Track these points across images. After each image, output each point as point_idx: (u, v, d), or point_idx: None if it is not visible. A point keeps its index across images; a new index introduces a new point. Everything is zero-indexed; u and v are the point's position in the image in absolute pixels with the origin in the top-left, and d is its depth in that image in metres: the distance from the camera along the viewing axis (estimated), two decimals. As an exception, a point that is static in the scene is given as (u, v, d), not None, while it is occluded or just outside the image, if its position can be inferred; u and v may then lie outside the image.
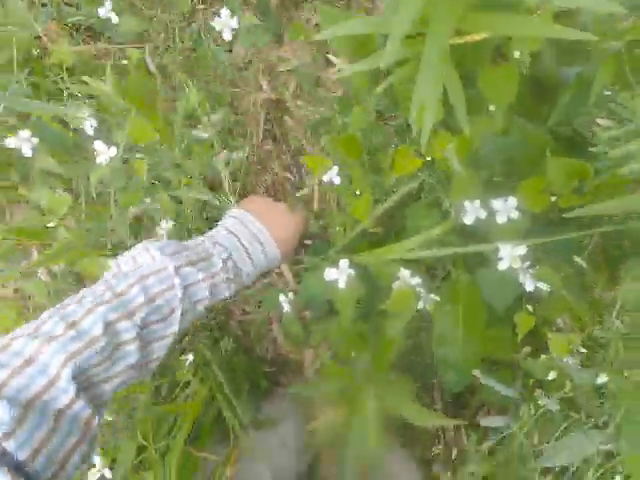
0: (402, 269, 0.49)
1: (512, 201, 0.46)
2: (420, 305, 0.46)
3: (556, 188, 0.42)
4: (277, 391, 0.81)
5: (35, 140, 0.54)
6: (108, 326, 0.41)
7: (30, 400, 0.35)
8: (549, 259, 0.44)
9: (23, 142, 0.53)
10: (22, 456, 0.33)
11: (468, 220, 0.48)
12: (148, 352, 0.46)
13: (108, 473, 0.51)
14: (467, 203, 0.47)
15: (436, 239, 0.50)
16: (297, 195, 0.64)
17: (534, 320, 0.43)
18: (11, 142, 0.53)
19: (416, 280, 0.48)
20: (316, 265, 0.57)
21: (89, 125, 0.53)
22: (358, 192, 0.52)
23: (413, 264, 0.50)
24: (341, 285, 0.47)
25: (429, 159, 0.51)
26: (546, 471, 0.38)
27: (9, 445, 0.32)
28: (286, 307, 0.58)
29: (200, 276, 0.50)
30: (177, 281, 0.47)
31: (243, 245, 0.56)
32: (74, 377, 0.38)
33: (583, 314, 0.41)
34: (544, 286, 0.44)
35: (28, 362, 0.37)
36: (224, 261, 0.53)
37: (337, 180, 0.52)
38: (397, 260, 0.50)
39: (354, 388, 0.38)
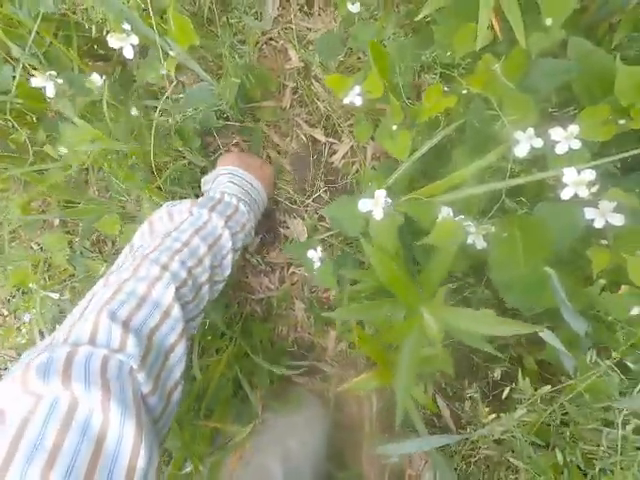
0: (444, 207, 0.44)
1: (573, 129, 0.41)
2: (469, 240, 0.40)
3: (627, 101, 0.37)
4: (295, 380, 0.75)
5: (59, 81, 0.53)
6: (190, 271, 0.46)
7: (150, 334, 0.39)
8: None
9: (47, 82, 0.51)
10: (146, 389, 0.35)
11: (521, 151, 0.42)
12: (213, 291, 0.51)
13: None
14: (519, 133, 0.42)
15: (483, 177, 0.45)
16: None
17: (609, 256, 0.36)
18: (35, 81, 0.52)
19: (462, 217, 0.43)
20: (345, 200, 0.51)
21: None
22: (395, 127, 0.48)
23: (460, 204, 0.44)
24: (377, 216, 0.42)
25: (467, 92, 0.46)
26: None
27: (140, 376, 0.35)
28: (317, 263, 0.52)
29: (238, 227, 0.57)
30: (227, 232, 0.53)
31: (250, 195, 0.63)
32: (182, 311, 0.42)
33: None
34: (617, 220, 0.38)
35: (143, 299, 0.40)
36: (248, 212, 0.60)
37: (359, 101, 0.48)
38: (443, 200, 0.45)
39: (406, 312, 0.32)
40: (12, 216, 0.62)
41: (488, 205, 0.44)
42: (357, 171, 0.74)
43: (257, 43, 0.77)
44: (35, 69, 0.52)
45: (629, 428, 0.31)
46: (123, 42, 0.50)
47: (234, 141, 0.76)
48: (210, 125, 0.69)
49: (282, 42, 0.78)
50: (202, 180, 0.68)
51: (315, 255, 0.52)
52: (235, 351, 0.64)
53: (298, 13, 0.78)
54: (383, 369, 0.45)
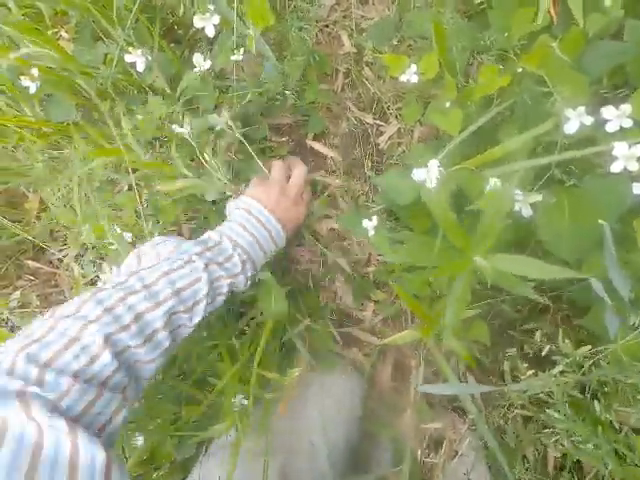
0: (492, 179, 0.47)
1: (625, 107, 0.43)
2: (517, 207, 0.44)
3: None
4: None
5: (149, 57, 0.59)
6: (138, 317, 0.44)
7: (76, 373, 0.38)
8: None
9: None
10: (74, 413, 0.35)
11: (571, 128, 0.45)
12: (175, 337, 0.49)
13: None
14: (569, 110, 0.45)
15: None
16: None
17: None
18: (129, 57, 0.59)
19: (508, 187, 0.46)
20: (394, 173, 0.55)
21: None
22: (448, 104, 0.51)
23: (508, 176, 0.47)
24: (431, 184, 0.46)
25: (521, 71, 0.49)
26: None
27: (62, 404, 0.35)
28: (371, 231, 0.56)
29: (223, 274, 0.53)
30: (205, 276, 0.51)
31: (258, 242, 0.59)
32: (115, 355, 0.41)
33: None
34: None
35: (72, 341, 0.39)
36: (243, 262, 0.56)
37: (414, 79, 0.51)
38: (490, 172, 0.48)
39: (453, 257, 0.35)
40: (94, 175, 0.70)
41: (536, 177, 0.47)
42: (403, 152, 0.77)
43: (312, 29, 0.82)
44: (131, 45, 0.59)
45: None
46: (206, 22, 0.56)
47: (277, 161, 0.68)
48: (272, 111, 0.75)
49: (336, 29, 0.83)
50: (227, 204, 0.65)
51: (370, 224, 0.56)
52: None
53: (354, 1, 0.83)
54: (423, 322, 0.49)
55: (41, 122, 0.68)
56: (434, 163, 0.47)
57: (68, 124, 0.70)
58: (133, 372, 0.44)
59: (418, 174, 0.47)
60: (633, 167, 0.41)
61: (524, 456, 0.60)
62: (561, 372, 0.41)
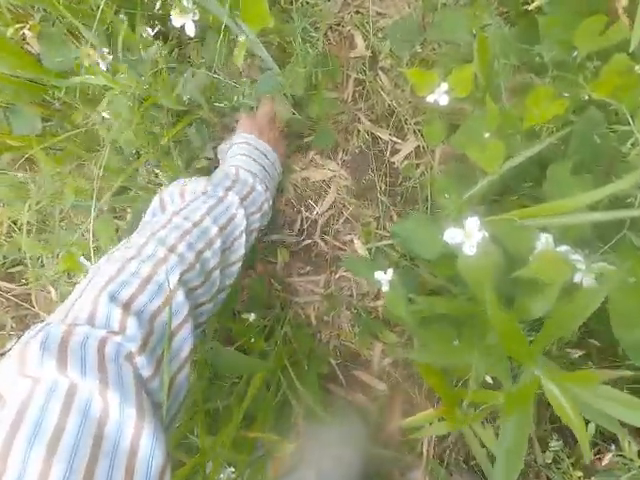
0: (542, 234, 0.38)
1: None
2: (577, 278, 0.34)
3: None
4: (332, 396, 0.72)
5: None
6: (198, 254, 0.44)
7: (152, 317, 0.37)
8: None
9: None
10: (146, 373, 0.34)
11: None
12: (225, 275, 0.49)
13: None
14: None
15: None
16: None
17: None
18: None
19: (566, 249, 0.36)
20: (419, 219, 0.46)
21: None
22: (487, 135, 0.42)
23: (561, 231, 0.38)
24: (469, 251, 0.36)
25: (588, 98, 0.39)
26: None
27: (139, 360, 0.33)
28: (385, 287, 0.47)
29: (254, 208, 0.54)
30: (242, 212, 0.51)
31: (267, 170, 0.60)
32: (186, 296, 0.40)
33: None
34: None
35: (146, 281, 0.38)
36: (265, 190, 0.57)
37: (444, 100, 0.42)
38: (538, 224, 0.38)
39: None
40: (65, 199, 0.61)
41: (600, 238, 0.38)
42: (422, 174, 0.68)
43: (322, 27, 0.71)
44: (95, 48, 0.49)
45: None
46: (185, 18, 0.46)
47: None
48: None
49: (349, 28, 0.72)
50: (218, 148, 0.65)
51: (384, 278, 0.46)
52: (280, 355, 0.61)
53: (369, -4, 0.72)
54: (449, 408, 0.40)
55: (5, 135, 0.59)
56: (474, 223, 0.37)
57: (37, 137, 0.60)
58: (195, 320, 0.42)
59: (452, 236, 0.37)
60: None
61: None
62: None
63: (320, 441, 0.61)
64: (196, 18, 0.49)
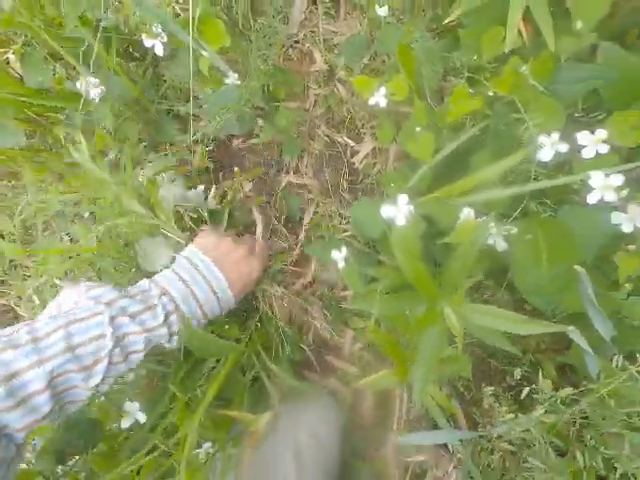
0: (465, 208, 0.44)
1: (601, 133, 0.41)
2: (490, 241, 0.41)
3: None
4: (307, 381, 0.76)
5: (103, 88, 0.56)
6: (11, 376, 0.39)
7: None
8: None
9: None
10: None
11: (545, 156, 0.43)
12: (62, 398, 0.43)
13: (141, 417, 0.48)
14: (543, 137, 0.42)
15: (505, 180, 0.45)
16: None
17: (637, 261, 0.36)
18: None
19: (484, 218, 0.43)
20: (366, 203, 0.52)
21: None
22: (418, 129, 0.49)
23: (481, 206, 0.45)
24: (400, 222, 0.43)
25: (492, 94, 0.47)
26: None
27: None
28: (341, 263, 0.53)
29: (136, 328, 0.46)
30: (109, 331, 0.44)
31: (195, 295, 0.52)
32: None
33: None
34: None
35: None
36: (167, 314, 0.49)
37: (383, 102, 0.49)
38: (462, 201, 0.45)
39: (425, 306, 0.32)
40: (48, 206, 0.65)
41: (510, 207, 0.45)
42: (378, 172, 0.75)
43: (283, 46, 0.79)
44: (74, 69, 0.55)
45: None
46: (154, 40, 0.53)
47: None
48: (231, 130, 0.72)
49: (308, 45, 0.80)
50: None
51: (339, 256, 0.53)
52: (253, 342, 0.66)
53: (324, 17, 0.80)
54: (399, 366, 0.46)
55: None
56: (403, 199, 0.44)
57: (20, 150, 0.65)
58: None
59: (386, 211, 0.43)
60: (611, 198, 0.38)
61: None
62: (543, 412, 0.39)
63: (296, 420, 0.65)
64: (164, 40, 0.56)
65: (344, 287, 0.78)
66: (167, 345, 0.50)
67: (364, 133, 0.77)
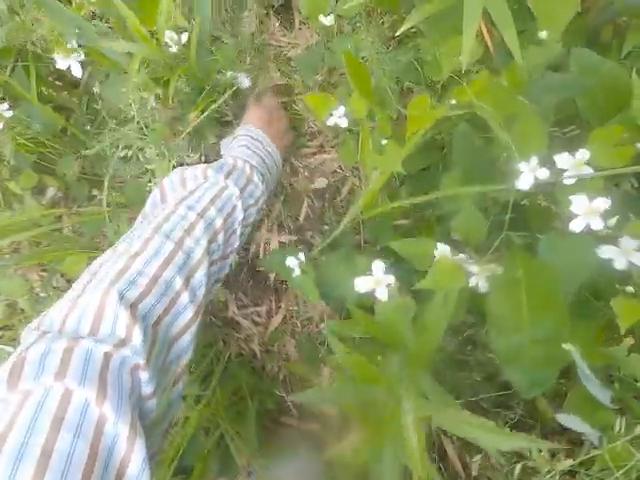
0: (439, 244, 0.39)
1: (583, 154, 0.35)
2: (472, 281, 0.35)
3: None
4: (286, 427, 0.70)
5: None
6: (207, 249, 0.42)
7: (156, 321, 0.35)
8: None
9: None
10: (146, 391, 0.32)
11: (524, 184, 0.37)
12: (221, 270, 0.48)
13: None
14: (522, 164, 0.37)
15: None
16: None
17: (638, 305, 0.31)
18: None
19: (461, 256, 0.37)
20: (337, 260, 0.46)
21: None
22: (384, 141, 0.43)
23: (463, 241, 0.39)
24: (381, 297, 0.37)
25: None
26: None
27: (143, 375, 0.32)
28: (296, 271, 0.47)
29: (252, 201, 0.53)
30: (240, 204, 0.49)
31: (267, 165, 0.58)
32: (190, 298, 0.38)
33: None
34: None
35: (154, 281, 0.37)
36: (261, 183, 0.55)
37: (344, 122, 0.43)
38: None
39: (386, 394, 0.26)
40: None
41: (488, 239, 0.39)
42: (348, 193, 0.69)
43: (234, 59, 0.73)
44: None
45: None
46: (70, 59, 0.45)
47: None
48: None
49: (261, 59, 0.74)
50: (221, 142, 0.64)
51: (294, 262, 0.47)
52: (218, 398, 0.59)
53: (278, 28, 0.74)
54: (373, 435, 0.39)
55: None
56: (379, 266, 0.37)
57: None
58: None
59: (363, 285, 0.37)
60: (598, 225, 0.33)
61: None
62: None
63: (274, 478, 0.59)
64: (81, 58, 0.48)
65: (320, 318, 0.72)
66: (260, 215, 0.58)
67: (330, 149, 0.71)
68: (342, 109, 0.47)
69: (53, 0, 0.43)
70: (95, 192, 0.69)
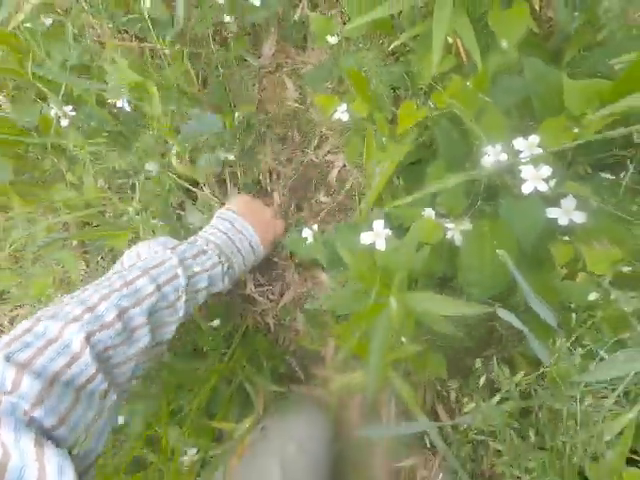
0: (426, 209, 0.48)
1: (534, 138, 0.45)
2: (449, 234, 0.45)
3: (578, 111, 0.41)
4: (294, 394, 0.77)
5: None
6: (122, 312, 0.45)
7: (54, 375, 0.38)
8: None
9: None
10: (48, 423, 0.35)
11: (488, 163, 0.47)
12: (157, 335, 0.49)
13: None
14: (489, 147, 0.47)
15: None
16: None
17: (572, 250, 0.40)
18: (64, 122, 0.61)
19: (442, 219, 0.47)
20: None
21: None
22: (384, 139, 0.53)
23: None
24: (380, 247, 0.46)
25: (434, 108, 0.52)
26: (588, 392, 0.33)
27: (37, 413, 0.34)
28: (310, 239, 0.58)
29: (199, 268, 0.55)
30: (180, 271, 0.52)
31: (234, 242, 0.61)
32: (95, 357, 0.41)
33: (621, 235, 0.38)
34: (579, 217, 0.42)
35: (51, 341, 0.39)
36: (218, 256, 0.58)
37: (345, 117, 0.56)
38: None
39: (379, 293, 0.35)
40: (37, 237, 0.69)
41: (467, 209, 0.49)
42: (351, 187, 0.79)
43: (256, 76, 0.86)
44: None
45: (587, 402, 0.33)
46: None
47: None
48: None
49: (278, 74, 0.86)
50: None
51: (308, 232, 0.58)
52: (237, 357, 0.68)
53: (293, 49, 0.87)
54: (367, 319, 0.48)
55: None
56: (379, 224, 0.47)
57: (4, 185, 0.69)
58: (112, 378, 0.43)
59: (365, 238, 0.47)
60: (543, 187, 0.42)
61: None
62: (503, 400, 0.41)
63: (282, 432, 0.66)
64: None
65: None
66: (221, 286, 0.58)
67: (338, 152, 0.82)
68: (344, 106, 0.59)
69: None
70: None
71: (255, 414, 0.58)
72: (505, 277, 0.37)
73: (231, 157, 0.73)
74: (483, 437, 0.44)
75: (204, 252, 0.57)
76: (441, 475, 0.63)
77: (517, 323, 0.33)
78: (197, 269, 0.54)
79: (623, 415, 0.31)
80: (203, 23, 0.74)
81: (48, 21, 0.65)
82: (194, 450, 0.54)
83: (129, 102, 0.62)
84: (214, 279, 0.57)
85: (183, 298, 0.51)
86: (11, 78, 0.66)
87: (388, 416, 0.73)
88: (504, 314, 0.33)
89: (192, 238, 0.60)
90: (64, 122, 0.61)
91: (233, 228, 0.62)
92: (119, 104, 0.62)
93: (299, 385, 0.77)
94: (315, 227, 0.58)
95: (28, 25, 0.61)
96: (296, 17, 0.84)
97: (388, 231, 0.48)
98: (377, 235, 0.48)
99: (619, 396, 0.31)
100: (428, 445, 0.64)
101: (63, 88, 0.60)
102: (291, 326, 0.80)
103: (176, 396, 0.55)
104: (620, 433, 0.32)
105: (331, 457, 0.68)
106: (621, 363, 0.31)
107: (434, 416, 0.64)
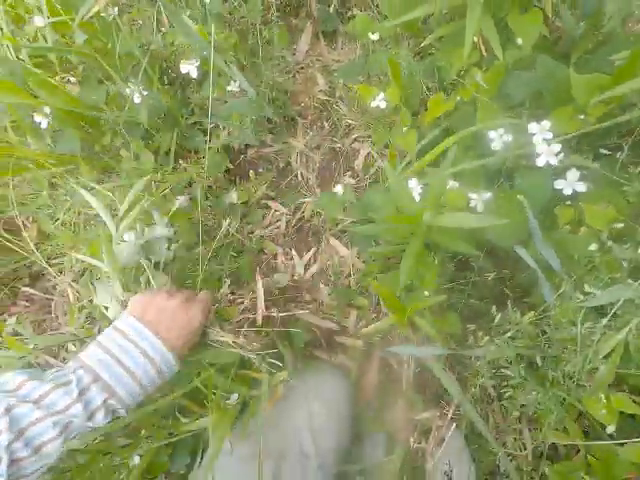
0: (451, 181, 0.56)
1: (546, 123, 0.54)
2: (472, 203, 0.53)
3: (582, 101, 0.50)
4: (318, 360, 0.84)
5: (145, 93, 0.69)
6: None
7: None
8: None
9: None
10: None
11: (496, 146, 0.55)
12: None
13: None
14: (492, 132, 0.55)
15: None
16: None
17: (573, 211, 0.48)
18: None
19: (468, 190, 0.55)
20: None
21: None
22: (405, 129, 0.62)
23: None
24: (417, 197, 0.55)
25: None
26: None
27: None
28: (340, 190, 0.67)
29: (40, 414, 0.42)
30: (3, 425, 0.40)
31: (123, 365, 0.47)
32: None
33: (616, 197, 0.46)
34: (580, 187, 0.50)
35: None
36: (83, 389, 0.45)
37: (383, 104, 0.64)
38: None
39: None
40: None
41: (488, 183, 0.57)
42: (376, 171, 0.87)
43: (290, 71, 0.95)
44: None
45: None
46: (190, 66, 0.68)
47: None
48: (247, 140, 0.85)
49: (311, 70, 0.95)
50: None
51: (339, 188, 0.69)
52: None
53: (325, 47, 0.96)
54: (397, 313, 0.56)
55: (46, 154, 0.76)
56: (414, 181, 0.56)
57: (73, 156, 0.77)
58: None
59: (411, 184, 0.56)
60: (553, 161, 0.50)
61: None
62: (513, 338, 0.49)
63: (308, 392, 0.71)
64: (197, 64, 0.70)
65: (347, 275, 0.89)
66: (90, 425, 0.45)
67: (363, 141, 0.90)
68: (382, 95, 0.68)
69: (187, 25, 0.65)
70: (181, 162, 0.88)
71: (286, 370, 0.65)
72: (524, 225, 0.45)
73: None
74: (494, 370, 0.51)
75: (59, 386, 0.44)
76: (454, 424, 0.70)
77: (531, 262, 0.41)
78: (36, 416, 0.41)
79: (614, 336, 0.39)
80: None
81: (114, 11, 0.74)
82: (235, 395, 0.61)
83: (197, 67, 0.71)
84: (73, 421, 0.43)
85: (3, 460, 0.39)
86: (82, 62, 0.74)
87: (407, 375, 0.80)
88: (522, 252, 0.41)
89: (70, 370, 0.46)
90: (137, 99, 0.69)
91: (127, 342, 0.48)
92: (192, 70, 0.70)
93: (322, 352, 0.84)
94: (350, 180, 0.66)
95: (102, 15, 0.70)
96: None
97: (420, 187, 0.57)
98: (415, 187, 0.56)
99: (611, 319, 0.39)
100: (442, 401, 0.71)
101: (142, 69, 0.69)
102: (317, 299, 0.87)
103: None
104: (612, 351, 0.40)
105: (352, 414, 0.74)
106: (614, 291, 0.39)
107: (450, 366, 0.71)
